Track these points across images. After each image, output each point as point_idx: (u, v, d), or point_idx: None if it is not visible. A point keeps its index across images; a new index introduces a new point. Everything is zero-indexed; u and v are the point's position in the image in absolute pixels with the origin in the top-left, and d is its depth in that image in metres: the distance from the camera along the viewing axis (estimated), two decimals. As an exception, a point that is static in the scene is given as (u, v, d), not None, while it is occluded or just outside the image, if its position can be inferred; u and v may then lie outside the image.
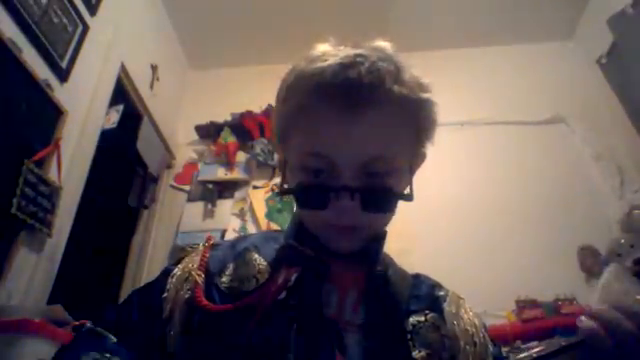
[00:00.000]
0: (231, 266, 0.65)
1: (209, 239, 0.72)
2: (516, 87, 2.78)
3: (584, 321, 0.48)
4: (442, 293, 0.68)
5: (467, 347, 0.61)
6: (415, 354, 0.57)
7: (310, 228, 0.64)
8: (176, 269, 0.67)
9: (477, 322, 0.65)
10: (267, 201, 2.54)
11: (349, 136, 0.56)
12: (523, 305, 2.04)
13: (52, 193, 1.60)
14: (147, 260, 2.51)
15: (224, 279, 0.64)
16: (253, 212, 2.54)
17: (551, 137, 2.62)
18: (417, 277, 0.71)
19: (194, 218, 2.55)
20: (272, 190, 2.56)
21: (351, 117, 0.56)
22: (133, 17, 2.42)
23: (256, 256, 0.66)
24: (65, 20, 1.76)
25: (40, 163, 1.56)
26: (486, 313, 1.93)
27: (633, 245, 1.98)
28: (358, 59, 0.56)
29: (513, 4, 2.77)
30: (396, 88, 0.56)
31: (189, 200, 2.64)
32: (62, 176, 1.67)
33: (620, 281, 1.89)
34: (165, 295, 0.63)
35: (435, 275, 0.73)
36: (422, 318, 0.62)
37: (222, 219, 2.52)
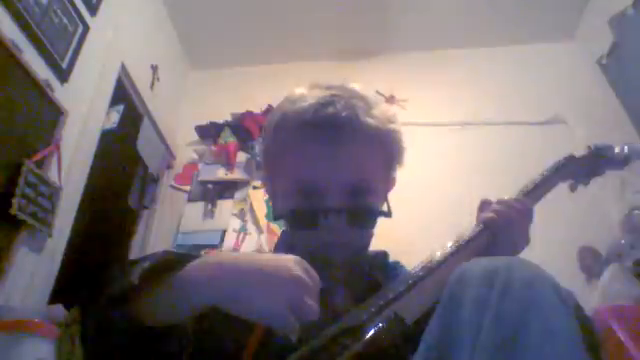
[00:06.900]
0: None
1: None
2: (516, 87, 2.77)
3: (483, 215, 0.72)
4: None
5: None
6: None
7: (302, 246, 0.70)
8: None
9: None
10: (267, 201, 2.53)
11: (333, 164, 0.66)
12: (523, 305, 2.04)
13: (52, 193, 1.60)
14: (147, 260, 2.51)
15: None
16: (253, 212, 2.54)
17: (551, 137, 2.61)
18: (396, 262, 0.82)
19: (194, 218, 2.55)
20: (272, 190, 2.56)
21: (333, 147, 0.65)
22: (133, 17, 2.42)
23: None
24: (65, 20, 1.76)
25: (40, 163, 1.56)
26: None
27: (633, 246, 1.98)
28: (334, 98, 0.66)
29: (513, 4, 2.76)
30: (369, 121, 0.67)
31: (189, 200, 2.64)
32: (62, 176, 1.67)
33: (620, 281, 1.89)
34: None
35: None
36: None
37: (222, 219, 2.52)
